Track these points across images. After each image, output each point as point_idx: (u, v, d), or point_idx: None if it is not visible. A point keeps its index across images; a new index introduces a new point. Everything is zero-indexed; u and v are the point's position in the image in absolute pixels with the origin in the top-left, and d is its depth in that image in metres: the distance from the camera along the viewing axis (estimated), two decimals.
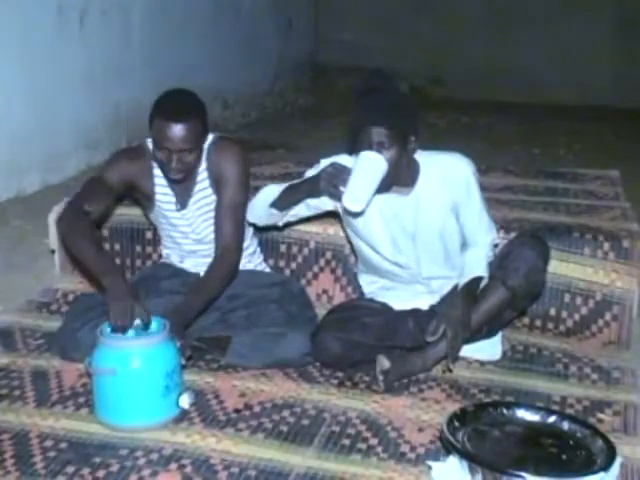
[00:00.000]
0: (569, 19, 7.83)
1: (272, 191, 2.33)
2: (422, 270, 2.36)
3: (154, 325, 2.07)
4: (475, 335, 2.32)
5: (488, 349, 2.42)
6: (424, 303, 2.40)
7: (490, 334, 2.40)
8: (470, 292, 2.28)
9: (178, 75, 5.42)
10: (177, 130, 2.21)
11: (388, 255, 2.34)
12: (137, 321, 2.04)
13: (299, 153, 4.45)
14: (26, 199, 4.05)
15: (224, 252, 2.36)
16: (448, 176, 2.26)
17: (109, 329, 2.03)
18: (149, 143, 2.40)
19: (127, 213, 2.93)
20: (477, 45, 8.02)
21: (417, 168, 2.26)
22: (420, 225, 2.29)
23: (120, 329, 2.02)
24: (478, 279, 2.29)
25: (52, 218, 3.04)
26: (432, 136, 6.23)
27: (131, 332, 2.04)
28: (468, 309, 2.24)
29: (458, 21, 8.22)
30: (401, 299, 2.42)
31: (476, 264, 2.31)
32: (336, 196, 2.15)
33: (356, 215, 2.25)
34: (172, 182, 2.38)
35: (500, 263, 2.31)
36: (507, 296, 2.28)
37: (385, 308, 2.42)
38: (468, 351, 2.36)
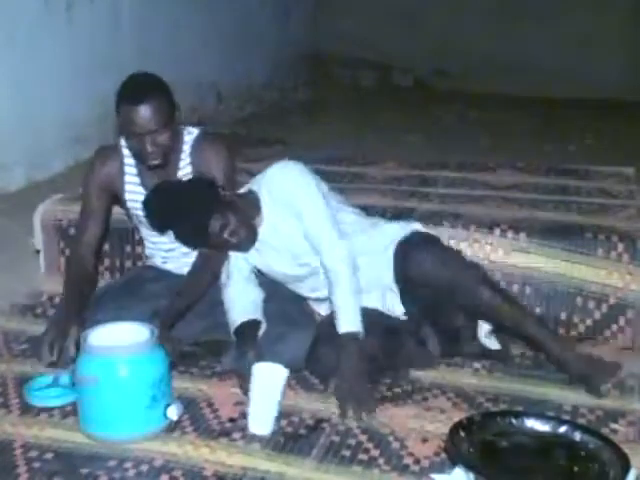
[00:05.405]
0: (580, 9, 7.84)
1: (234, 314, 2.34)
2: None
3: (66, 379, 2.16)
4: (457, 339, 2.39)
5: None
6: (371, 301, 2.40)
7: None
8: (351, 354, 2.17)
9: (170, 66, 5.40)
10: (143, 111, 2.23)
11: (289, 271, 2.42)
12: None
13: (297, 149, 4.44)
14: (10, 196, 4.05)
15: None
16: (273, 192, 2.33)
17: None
18: (122, 141, 2.43)
19: (116, 212, 2.92)
20: (483, 36, 8.03)
21: (256, 200, 2.36)
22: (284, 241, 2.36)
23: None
24: (354, 335, 2.20)
25: (37, 217, 3.04)
26: (438, 131, 6.29)
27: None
28: (358, 377, 2.15)
29: (463, 11, 8.22)
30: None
31: (346, 310, 2.22)
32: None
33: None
34: (151, 169, 2.37)
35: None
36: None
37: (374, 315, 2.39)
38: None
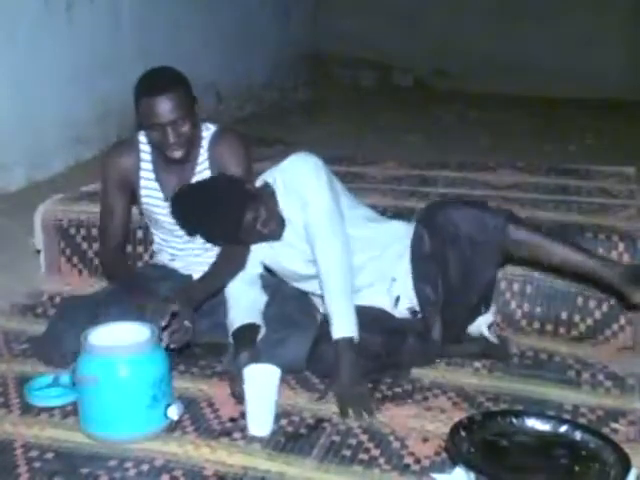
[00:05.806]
0: (580, 9, 7.84)
1: (234, 314, 2.34)
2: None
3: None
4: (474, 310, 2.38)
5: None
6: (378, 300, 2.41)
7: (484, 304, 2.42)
8: (348, 360, 2.16)
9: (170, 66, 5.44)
10: (163, 102, 2.23)
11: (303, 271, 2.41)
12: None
13: (298, 149, 4.43)
14: (10, 196, 4.06)
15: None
16: (287, 183, 2.33)
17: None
18: (140, 136, 2.41)
19: None
20: (483, 36, 8.03)
21: (273, 193, 2.35)
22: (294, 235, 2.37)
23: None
24: (349, 340, 2.18)
25: (38, 217, 3.04)
26: (438, 131, 6.29)
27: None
28: (354, 377, 2.16)
29: (463, 11, 8.23)
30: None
31: (339, 314, 2.19)
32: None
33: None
34: (174, 162, 2.36)
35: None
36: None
37: (372, 311, 2.38)
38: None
